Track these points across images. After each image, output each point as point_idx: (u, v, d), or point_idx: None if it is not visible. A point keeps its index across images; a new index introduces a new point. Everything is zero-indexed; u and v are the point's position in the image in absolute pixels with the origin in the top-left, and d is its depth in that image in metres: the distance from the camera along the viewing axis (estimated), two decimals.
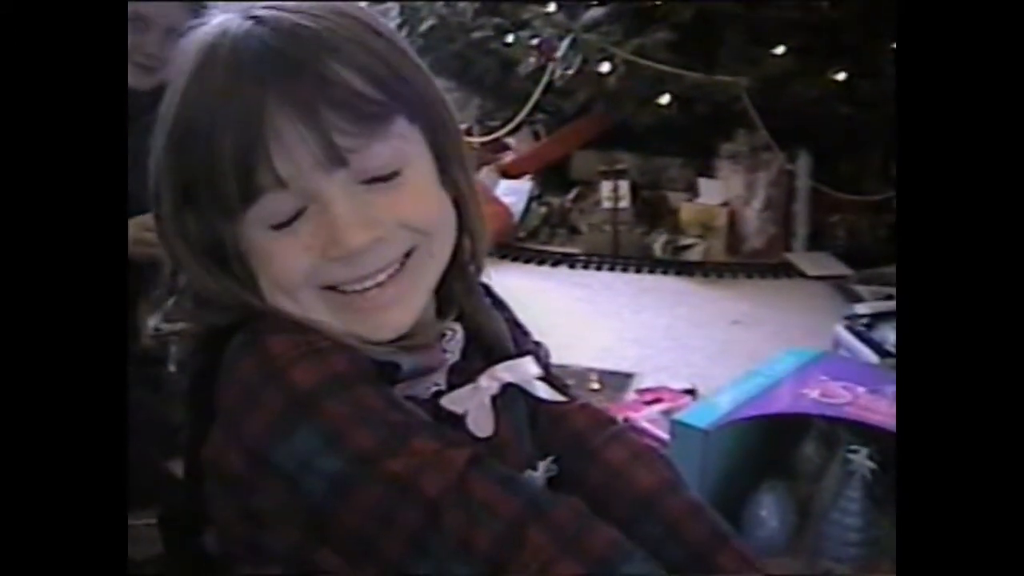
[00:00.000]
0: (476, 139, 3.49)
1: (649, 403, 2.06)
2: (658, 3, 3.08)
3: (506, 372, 0.93)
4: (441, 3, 3.44)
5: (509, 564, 0.76)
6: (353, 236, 0.82)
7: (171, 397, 0.90)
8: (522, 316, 1.04)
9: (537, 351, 1.01)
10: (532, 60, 3.18)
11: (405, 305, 0.87)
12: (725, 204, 3.11)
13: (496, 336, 0.96)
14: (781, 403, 1.51)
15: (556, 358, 1.06)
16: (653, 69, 2.98)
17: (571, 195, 3.36)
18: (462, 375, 0.91)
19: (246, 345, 0.82)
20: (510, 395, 0.93)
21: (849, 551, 1.44)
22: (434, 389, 0.89)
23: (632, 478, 0.98)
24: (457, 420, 0.88)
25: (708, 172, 3.18)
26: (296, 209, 0.82)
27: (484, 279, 0.99)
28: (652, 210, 3.22)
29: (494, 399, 0.91)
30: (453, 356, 0.92)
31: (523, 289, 2.15)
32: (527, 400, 0.96)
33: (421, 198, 0.87)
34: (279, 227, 0.82)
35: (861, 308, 2.43)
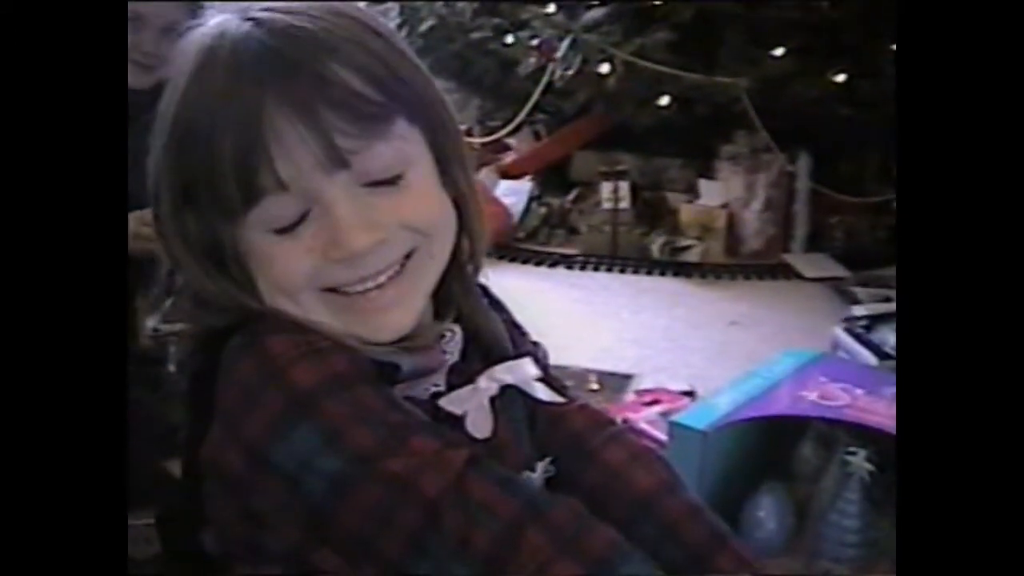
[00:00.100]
0: (476, 139, 3.49)
1: (648, 404, 2.05)
2: (658, 4, 3.08)
3: (505, 373, 0.93)
4: (441, 3, 3.44)
5: (508, 564, 0.76)
6: (355, 238, 0.82)
7: (169, 397, 0.90)
8: (520, 317, 1.04)
9: (535, 352, 1.01)
10: (532, 60, 3.18)
11: (406, 306, 0.87)
12: (724, 205, 3.11)
13: (494, 337, 0.96)
14: (780, 405, 1.51)
15: (554, 359, 1.06)
16: (653, 70, 2.98)
17: (571, 196, 3.36)
18: (461, 376, 0.91)
19: (245, 345, 0.82)
20: (509, 396, 0.93)
21: (847, 552, 1.44)
22: (433, 390, 0.89)
23: (630, 479, 0.98)
24: (456, 421, 0.88)
25: (708, 173, 3.18)
26: (299, 213, 0.82)
27: (482, 280, 0.99)
28: (652, 211, 3.22)
29: (493, 400, 0.91)
30: (452, 357, 0.92)
31: (521, 290, 2.15)
32: (526, 401, 0.96)
33: (423, 200, 0.87)
34: (281, 231, 0.82)
35: (859, 310, 2.43)
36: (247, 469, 0.80)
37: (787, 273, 3.01)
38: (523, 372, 0.95)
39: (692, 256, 3.06)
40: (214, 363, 0.83)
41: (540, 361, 1.00)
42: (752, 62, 3.01)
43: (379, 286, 0.85)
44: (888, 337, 2.15)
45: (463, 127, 3.24)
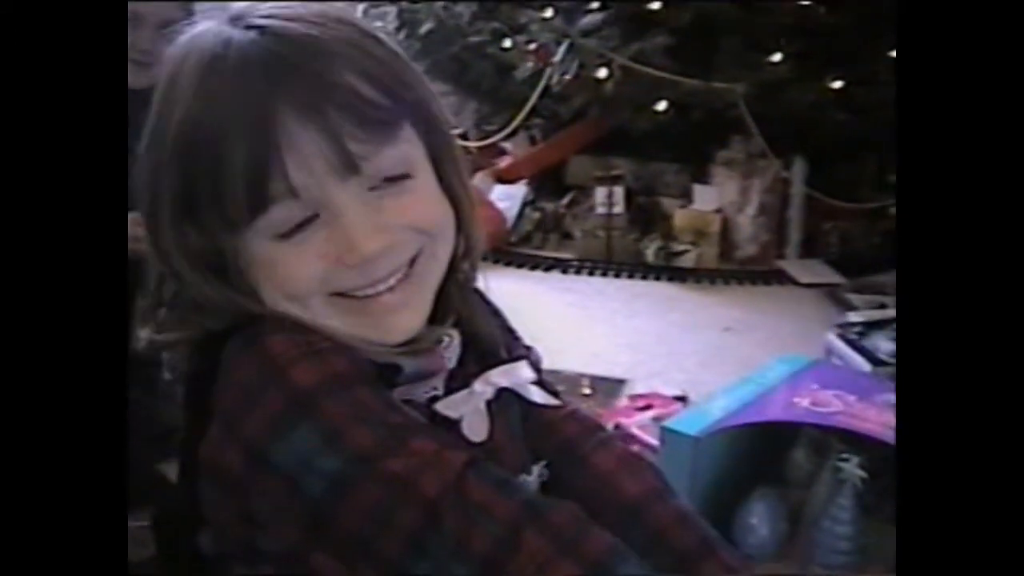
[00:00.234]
0: (472, 143, 3.49)
1: (641, 409, 2.06)
2: (655, 9, 3.08)
3: (501, 376, 0.93)
4: (439, 6, 3.43)
5: (506, 566, 0.76)
6: (368, 243, 0.82)
7: (165, 399, 0.90)
8: (514, 321, 1.04)
9: (529, 356, 1.01)
10: (529, 65, 3.18)
11: (413, 308, 0.88)
12: (719, 210, 3.11)
13: (490, 341, 0.97)
14: (773, 411, 1.51)
15: (548, 363, 1.06)
16: (650, 75, 2.98)
17: (566, 200, 3.36)
18: (458, 380, 0.91)
19: (245, 346, 0.82)
20: (504, 400, 0.94)
21: (839, 559, 1.44)
22: (432, 393, 0.89)
23: (619, 486, 0.98)
24: (452, 425, 0.88)
25: (703, 178, 3.18)
26: (304, 218, 0.82)
27: (477, 285, 0.99)
28: (646, 216, 3.22)
29: (489, 404, 0.91)
30: (450, 362, 0.92)
31: (516, 294, 2.14)
32: (521, 405, 0.96)
33: (427, 201, 0.88)
34: (285, 236, 0.82)
35: (853, 316, 2.43)
36: (246, 469, 0.80)
37: (781, 279, 3.01)
38: (519, 375, 0.96)
39: (686, 261, 3.06)
40: (213, 364, 0.83)
41: (534, 365, 1.00)
42: (749, 68, 3.01)
43: (389, 288, 0.86)
44: (882, 344, 2.15)
45: (459, 131, 3.23)
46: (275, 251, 0.83)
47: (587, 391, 2.19)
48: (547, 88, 3.15)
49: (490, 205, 3.22)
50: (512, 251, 3.19)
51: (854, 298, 2.69)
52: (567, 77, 3.08)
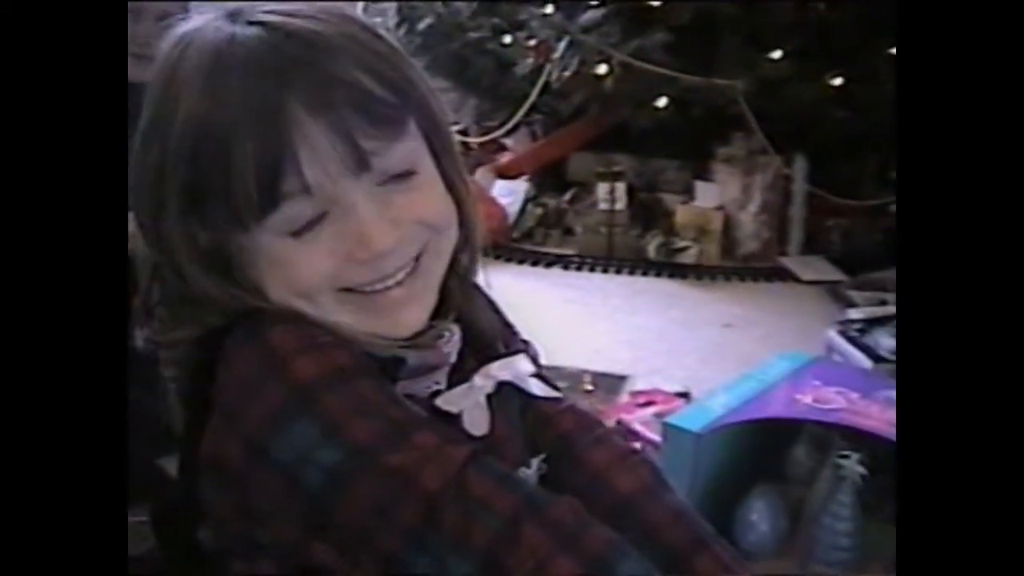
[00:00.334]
0: (473, 139, 3.49)
1: (642, 405, 2.06)
2: (656, 5, 3.08)
3: (501, 370, 0.94)
4: (439, 3, 3.43)
5: (506, 561, 0.76)
6: (380, 238, 0.83)
7: (165, 394, 0.90)
8: (515, 317, 1.04)
9: (527, 350, 1.01)
10: (529, 61, 3.18)
11: (420, 302, 0.89)
12: (720, 207, 3.11)
13: (489, 334, 0.97)
14: (774, 407, 1.51)
15: (549, 359, 1.06)
16: (650, 71, 2.98)
17: (567, 196, 3.36)
18: (458, 374, 0.92)
19: (246, 339, 0.82)
20: (504, 393, 0.94)
21: (840, 556, 1.44)
22: (434, 388, 0.90)
23: (612, 482, 0.98)
24: (453, 419, 0.88)
25: (704, 175, 3.18)
26: (316, 215, 0.82)
27: (476, 280, 0.99)
28: (647, 212, 3.22)
29: (489, 398, 0.91)
30: (451, 356, 0.92)
31: (517, 290, 2.15)
32: (520, 398, 0.97)
33: (433, 196, 0.88)
34: (297, 234, 0.82)
35: (854, 313, 2.43)
36: (246, 462, 0.80)
37: (782, 276, 3.01)
38: (518, 368, 0.96)
39: (688, 258, 3.06)
40: (213, 359, 0.83)
41: (533, 359, 1.01)
42: (749, 64, 3.01)
43: (398, 283, 0.86)
44: (883, 341, 2.15)
45: (460, 127, 3.22)
46: (285, 248, 0.83)
47: (589, 387, 2.19)
48: (547, 84, 3.15)
49: (491, 201, 3.22)
50: (513, 247, 3.19)
51: (855, 295, 2.69)
52: (567, 73, 3.08)
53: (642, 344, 2.50)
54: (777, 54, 3.01)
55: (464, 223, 0.93)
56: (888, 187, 3.04)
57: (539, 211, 3.33)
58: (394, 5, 3.50)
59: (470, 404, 0.90)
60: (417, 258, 0.87)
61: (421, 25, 3.41)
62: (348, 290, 0.85)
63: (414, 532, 0.77)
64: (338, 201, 0.82)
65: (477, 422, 0.90)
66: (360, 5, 3.42)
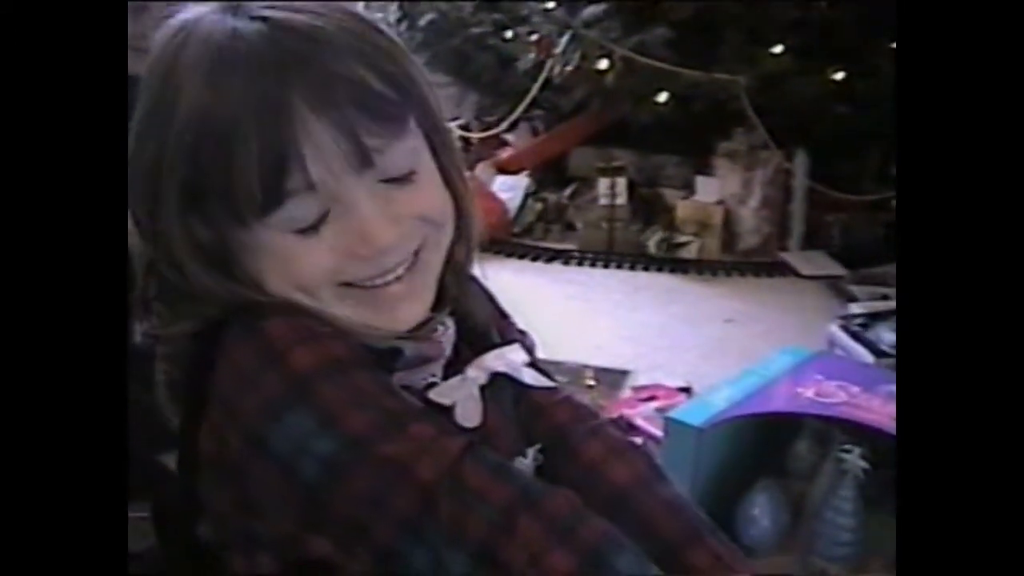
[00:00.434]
0: (474, 135, 3.49)
1: (644, 400, 2.06)
2: (657, 0, 3.08)
3: (494, 361, 0.94)
4: None
5: (501, 552, 0.76)
6: (382, 235, 0.83)
7: (162, 389, 0.90)
8: (516, 312, 1.05)
9: (523, 340, 1.01)
10: (531, 56, 3.18)
11: (418, 296, 0.89)
12: (721, 202, 3.10)
13: (483, 325, 0.98)
14: (776, 402, 1.51)
15: (550, 355, 1.06)
16: (652, 66, 2.98)
17: (568, 191, 3.36)
18: (454, 366, 0.92)
19: (244, 331, 0.82)
20: (498, 384, 0.94)
21: (841, 550, 1.44)
22: (429, 380, 0.90)
23: (607, 474, 0.98)
24: (446, 411, 0.88)
25: (705, 170, 3.17)
26: (321, 212, 0.82)
27: (473, 271, 0.99)
28: (648, 207, 3.22)
29: (482, 389, 0.91)
30: (447, 348, 0.92)
31: (517, 285, 2.15)
32: (514, 389, 0.97)
33: (433, 192, 0.89)
34: (300, 231, 0.82)
35: (856, 308, 2.43)
36: (244, 453, 0.81)
37: (783, 270, 3.01)
38: (511, 359, 0.96)
39: (688, 253, 3.06)
40: (210, 351, 0.83)
41: (528, 349, 1.01)
42: (751, 59, 3.00)
43: (397, 278, 0.87)
44: (885, 335, 2.15)
45: (461, 122, 3.22)
46: (286, 244, 0.83)
47: (590, 382, 2.19)
48: (548, 80, 3.15)
49: (492, 196, 3.22)
50: (514, 242, 3.19)
51: (856, 290, 2.69)
52: (568, 69, 3.07)
53: (643, 339, 2.50)
54: (778, 49, 3.01)
55: (461, 217, 0.93)
56: (889, 182, 3.03)
57: (540, 206, 3.32)
58: (395, 0, 3.49)
59: (463, 396, 0.90)
60: (416, 253, 0.88)
61: (422, 21, 3.41)
62: (348, 284, 0.86)
63: (410, 523, 0.77)
64: (340, 198, 0.82)
65: (469, 414, 0.90)
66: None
